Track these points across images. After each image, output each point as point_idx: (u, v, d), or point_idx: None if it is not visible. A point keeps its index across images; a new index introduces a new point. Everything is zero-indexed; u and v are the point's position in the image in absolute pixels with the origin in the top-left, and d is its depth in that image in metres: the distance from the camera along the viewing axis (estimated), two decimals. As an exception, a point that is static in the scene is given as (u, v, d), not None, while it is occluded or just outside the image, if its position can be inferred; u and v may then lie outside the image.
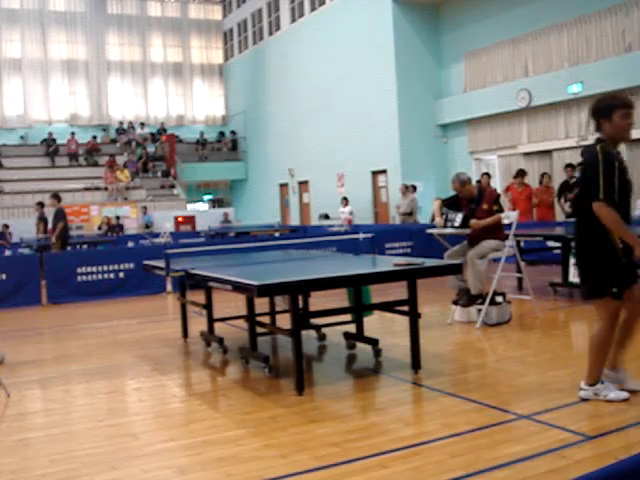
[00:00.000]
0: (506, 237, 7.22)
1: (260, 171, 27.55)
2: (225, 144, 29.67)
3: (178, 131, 29.12)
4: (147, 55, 29.64)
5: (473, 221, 7.03)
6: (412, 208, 16.74)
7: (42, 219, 15.67)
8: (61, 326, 8.69)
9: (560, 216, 13.05)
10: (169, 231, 16.65)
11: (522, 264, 8.03)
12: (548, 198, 13.12)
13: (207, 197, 28.33)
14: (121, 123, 28.34)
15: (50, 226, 13.55)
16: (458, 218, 7.06)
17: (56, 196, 13.46)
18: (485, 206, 7.13)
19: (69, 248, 14.79)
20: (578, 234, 4.20)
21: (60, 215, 12.97)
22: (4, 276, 10.44)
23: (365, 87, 20.20)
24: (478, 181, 13.05)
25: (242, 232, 17.05)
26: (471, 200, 7.28)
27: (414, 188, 17.12)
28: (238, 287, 4.89)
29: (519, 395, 4.55)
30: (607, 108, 4.04)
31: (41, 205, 16.17)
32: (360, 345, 6.11)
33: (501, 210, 7.23)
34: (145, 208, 21.74)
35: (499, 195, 7.48)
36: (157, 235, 17.09)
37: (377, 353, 5.78)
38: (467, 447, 3.60)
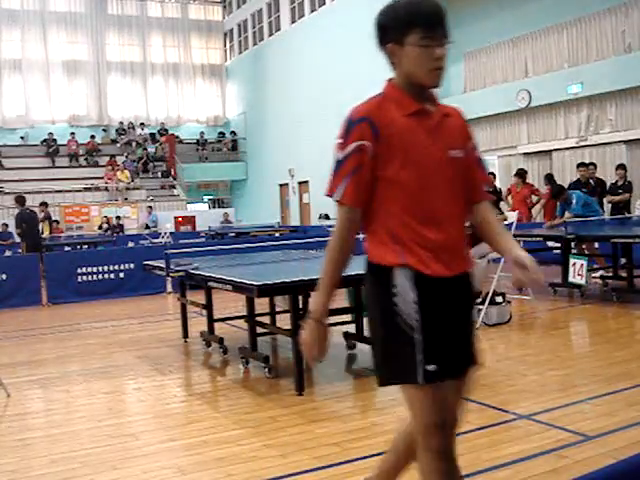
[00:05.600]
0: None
1: (260, 171, 27.55)
2: (225, 144, 29.67)
3: (178, 131, 29.12)
4: (147, 55, 29.63)
5: None
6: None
7: (47, 219, 15.69)
8: (61, 326, 8.69)
9: None
10: (169, 231, 16.63)
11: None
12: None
13: (207, 197, 28.34)
14: (121, 123, 28.35)
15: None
16: None
17: (17, 199, 13.07)
18: None
19: (69, 248, 14.82)
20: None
21: (17, 220, 12.69)
22: (4, 276, 10.44)
23: (365, 87, 20.07)
24: None
25: (242, 232, 17.06)
26: None
27: None
28: (238, 287, 4.89)
29: (519, 395, 4.55)
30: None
31: (45, 205, 16.18)
32: (360, 345, 6.11)
33: (501, 213, 7.23)
34: (150, 208, 21.77)
35: (495, 200, 7.48)
36: (157, 235, 17.09)
37: (377, 353, 5.77)
38: (467, 447, 3.59)
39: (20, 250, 14.45)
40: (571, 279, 7.85)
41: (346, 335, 6.25)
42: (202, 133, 29.22)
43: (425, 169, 2.18)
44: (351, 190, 2.18)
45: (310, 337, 2.25)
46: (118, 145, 27.38)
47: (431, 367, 2.16)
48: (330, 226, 17.60)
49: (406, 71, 2.20)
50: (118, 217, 21.17)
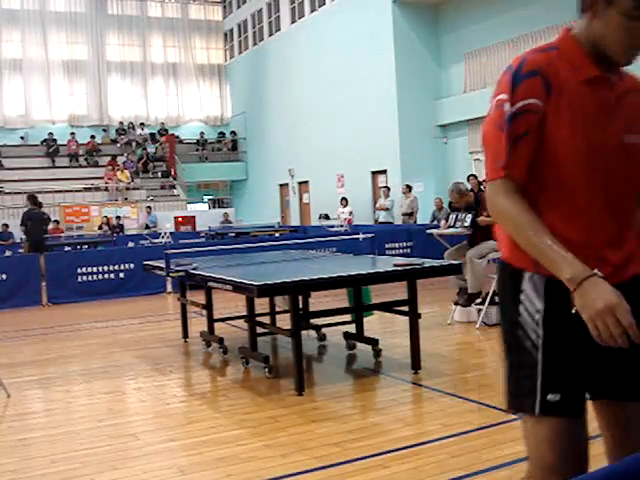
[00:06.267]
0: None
1: (260, 171, 27.55)
2: (225, 144, 29.67)
3: (178, 131, 29.12)
4: (147, 55, 29.61)
5: (482, 218, 7.04)
6: (413, 208, 16.75)
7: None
8: (61, 326, 8.69)
9: None
10: (169, 231, 16.63)
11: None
12: None
13: (207, 197, 28.36)
14: (121, 123, 28.35)
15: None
16: (468, 218, 7.10)
17: (29, 197, 13.43)
18: (485, 213, 7.12)
19: (69, 248, 14.81)
20: None
21: (23, 218, 13.05)
22: (4, 276, 10.44)
23: (365, 87, 20.20)
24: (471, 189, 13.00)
25: (242, 232, 17.06)
26: (467, 209, 7.28)
27: (409, 188, 17.08)
28: (238, 287, 4.89)
29: (519, 395, 4.55)
30: None
31: (40, 205, 16.24)
32: (360, 345, 6.11)
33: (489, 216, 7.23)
34: (149, 208, 21.77)
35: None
36: (157, 235, 17.09)
37: (377, 353, 5.78)
38: (467, 447, 3.60)
39: (21, 249, 14.47)
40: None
41: (346, 335, 6.25)
42: (202, 133, 29.22)
43: (593, 153, 1.74)
44: (517, 160, 1.74)
45: (610, 296, 1.58)
46: (118, 145, 27.36)
47: (551, 397, 1.71)
48: (330, 226, 17.53)
49: (599, 34, 1.75)
50: (118, 217, 21.18)
